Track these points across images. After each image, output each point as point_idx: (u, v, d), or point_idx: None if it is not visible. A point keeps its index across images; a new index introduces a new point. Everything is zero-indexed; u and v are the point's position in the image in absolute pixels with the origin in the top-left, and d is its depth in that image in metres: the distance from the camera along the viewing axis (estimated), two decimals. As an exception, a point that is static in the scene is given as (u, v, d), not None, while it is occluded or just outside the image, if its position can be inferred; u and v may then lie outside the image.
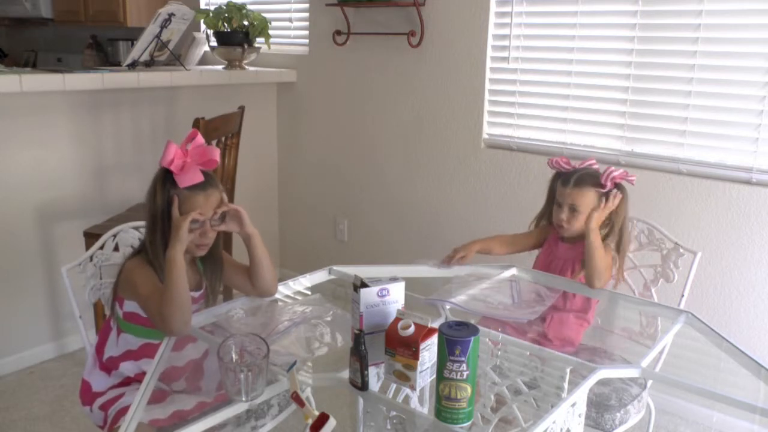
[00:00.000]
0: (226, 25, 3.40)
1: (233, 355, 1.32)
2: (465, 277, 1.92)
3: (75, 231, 2.69)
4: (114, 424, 1.62)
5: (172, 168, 1.57)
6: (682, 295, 2.01)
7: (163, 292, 1.53)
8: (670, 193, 2.47)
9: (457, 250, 2.00)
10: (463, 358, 1.17)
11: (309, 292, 1.83)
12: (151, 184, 1.62)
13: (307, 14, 3.46)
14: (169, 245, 1.53)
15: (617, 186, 1.92)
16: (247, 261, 1.72)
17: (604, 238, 1.91)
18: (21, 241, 2.76)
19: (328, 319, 1.66)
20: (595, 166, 1.98)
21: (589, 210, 1.90)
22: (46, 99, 2.73)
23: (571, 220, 1.93)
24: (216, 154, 1.62)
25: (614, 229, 1.93)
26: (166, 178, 1.59)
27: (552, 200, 2.03)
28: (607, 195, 1.91)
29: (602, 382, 1.66)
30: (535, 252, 2.12)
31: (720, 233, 2.40)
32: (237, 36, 3.39)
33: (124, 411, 1.61)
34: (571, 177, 1.94)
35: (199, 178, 1.58)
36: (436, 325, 1.26)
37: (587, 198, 1.91)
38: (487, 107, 2.89)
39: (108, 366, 1.71)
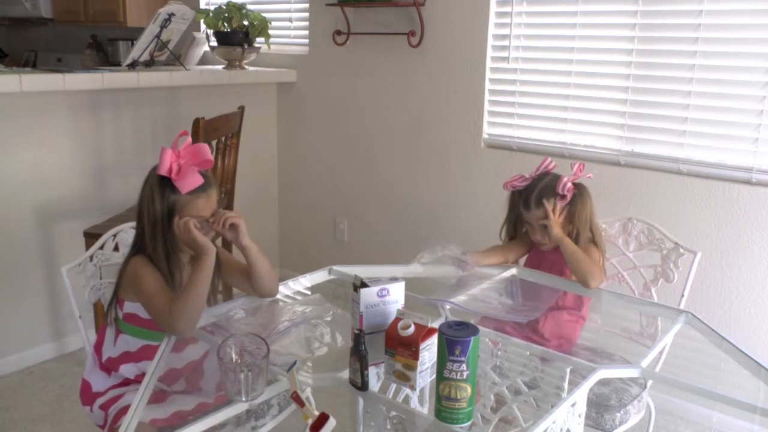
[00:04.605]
0: (226, 25, 3.40)
1: (233, 355, 1.32)
2: (465, 277, 1.92)
3: (75, 231, 2.69)
4: (114, 423, 1.62)
5: (171, 175, 1.56)
6: (682, 295, 2.01)
7: (184, 290, 1.54)
8: (670, 193, 2.47)
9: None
10: (463, 358, 1.17)
11: (309, 292, 1.83)
12: (146, 190, 1.61)
13: (307, 14, 3.46)
14: (200, 256, 1.56)
15: (576, 186, 1.92)
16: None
17: (576, 240, 1.90)
18: (21, 241, 2.76)
19: (328, 319, 1.66)
20: (552, 166, 1.97)
21: (557, 219, 1.90)
22: (46, 99, 2.73)
23: (546, 236, 1.93)
24: (209, 153, 1.62)
25: (582, 228, 1.91)
26: (163, 184, 1.58)
27: (512, 211, 2.04)
28: (572, 202, 1.91)
29: (602, 382, 1.66)
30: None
31: (720, 233, 2.40)
32: (237, 36, 3.39)
33: (124, 411, 1.60)
34: (530, 199, 1.93)
35: (199, 180, 1.57)
36: (436, 325, 1.26)
37: (551, 210, 1.91)
38: (487, 107, 2.89)
39: (108, 367, 1.71)
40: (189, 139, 1.62)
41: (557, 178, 1.91)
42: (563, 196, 1.89)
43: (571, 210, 1.92)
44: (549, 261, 1.99)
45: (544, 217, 1.90)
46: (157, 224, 1.59)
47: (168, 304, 1.53)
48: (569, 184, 1.89)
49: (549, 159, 1.98)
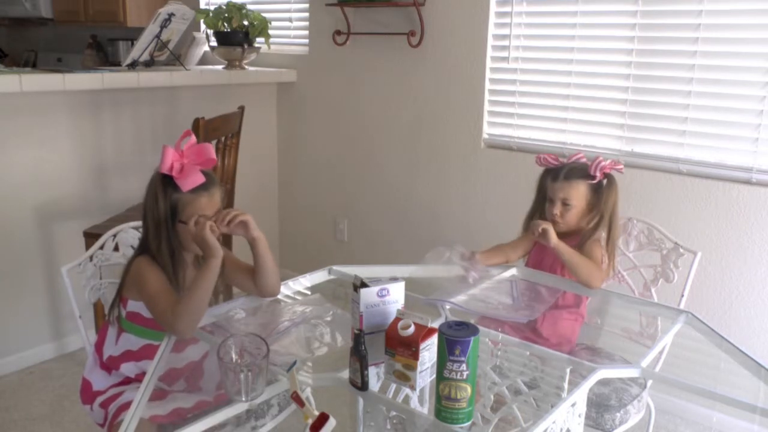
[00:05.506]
0: (226, 25, 3.40)
1: (233, 355, 1.32)
2: (466, 277, 1.92)
3: (75, 231, 2.69)
4: (114, 419, 1.62)
5: (172, 173, 1.57)
6: (682, 295, 2.01)
7: (188, 291, 1.54)
8: (670, 193, 2.47)
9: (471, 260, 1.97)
10: (463, 358, 1.17)
11: (309, 292, 1.83)
12: (150, 190, 1.61)
13: (307, 14, 3.46)
14: (207, 259, 1.55)
15: (606, 176, 1.93)
16: (247, 260, 1.72)
17: (594, 230, 1.91)
18: (21, 241, 2.76)
19: (328, 319, 1.66)
20: (583, 160, 1.97)
21: (582, 203, 1.91)
22: (46, 99, 2.73)
23: (564, 214, 1.93)
24: (212, 152, 1.63)
25: (604, 219, 1.92)
26: (165, 182, 1.58)
27: (541, 198, 2.03)
28: (598, 185, 1.92)
29: (602, 382, 1.66)
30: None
31: (720, 233, 2.39)
32: (237, 36, 3.39)
33: (124, 407, 1.61)
34: (561, 171, 1.94)
35: (201, 179, 1.58)
36: (436, 325, 1.26)
37: (578, 190, 1.92)
38: (487, 107, 2.89)
39: (108, 365, 1.71)
40: (193, 138, 1.63)
41: (589, 165, 1.92)
42: (593, 177, 1.90)
43: (597, 194, 1.92)
44: (551, 257, 1.99)
45: (568, 193, 1.90)
46: (161, 223, 1.60)
47: (171, 304, 1.54)
48: (603, 163, 1.89)
49: (581, 154, 1.99)
